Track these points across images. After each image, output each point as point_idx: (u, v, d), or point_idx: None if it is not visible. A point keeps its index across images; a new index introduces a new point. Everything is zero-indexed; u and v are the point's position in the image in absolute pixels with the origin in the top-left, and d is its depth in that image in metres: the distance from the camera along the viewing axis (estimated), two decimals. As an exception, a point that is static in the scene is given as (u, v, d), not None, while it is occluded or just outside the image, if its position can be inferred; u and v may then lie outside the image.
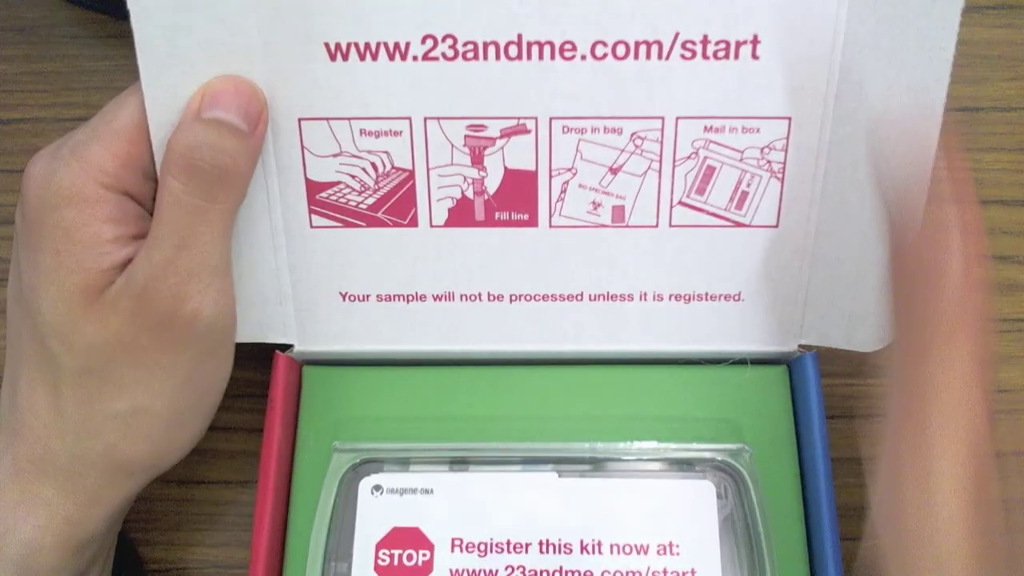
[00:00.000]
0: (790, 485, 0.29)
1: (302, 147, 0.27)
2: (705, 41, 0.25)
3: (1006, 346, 0.32)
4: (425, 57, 0.25)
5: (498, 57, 0.25)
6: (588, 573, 0.28)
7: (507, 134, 0.27)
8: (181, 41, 0.25)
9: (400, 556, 0.28)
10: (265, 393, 0.29)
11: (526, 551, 0.28)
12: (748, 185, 0.27)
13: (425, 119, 0.26)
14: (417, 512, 0.28)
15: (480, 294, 0.29)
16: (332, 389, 0.29)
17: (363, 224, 0.28)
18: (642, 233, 0.28)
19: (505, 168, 0.27)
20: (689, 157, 0.27)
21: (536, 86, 0.26)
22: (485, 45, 0.25)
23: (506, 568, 0.28)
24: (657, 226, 0.28)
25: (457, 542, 0.28)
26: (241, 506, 0.31)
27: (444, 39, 0.25)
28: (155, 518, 0.31)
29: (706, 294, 0.28)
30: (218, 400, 0.27)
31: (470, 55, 0.25)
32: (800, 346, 0.29)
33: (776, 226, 0.28)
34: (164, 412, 0.26)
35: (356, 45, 0.25)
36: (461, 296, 0.29)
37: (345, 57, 0.25)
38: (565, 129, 0.26)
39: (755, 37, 0.25)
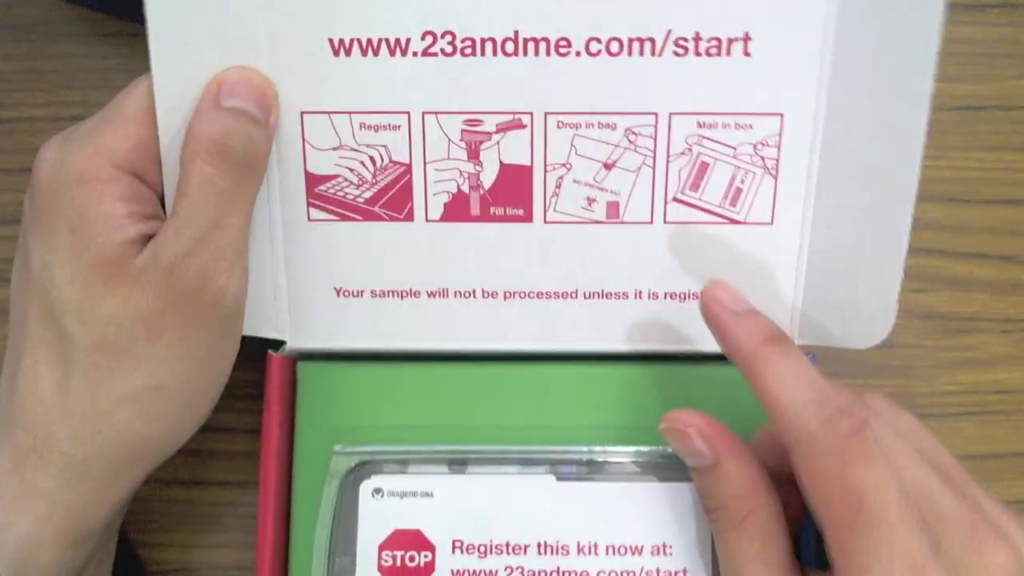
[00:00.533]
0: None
1: (303, 140, 0.27)
2: (697, 38, 0.26)
3: (1006, 346, 0.32)
4: (425, 53, 0.26)
5: (495, 53, 0.26)
6: (584, 574, 0.27)
7: (503, 129, 0.27)
8: (192, 32, 0.25)
9: (403, 557, 0.27)
10: (263, 394, 0.28)
11: (525, 552, 0.28)
12: (742, 182, 0.28)
13: (423, 114, 0.27)
14: (418, 515, 0.28)
15: (474, 291, 0.29)
16: (328, 386, 0.29)
17: (360, 218, 0.28)
18: (637, 229, 0.28)
19: (501, 163, 0.27)
20: (683, 153, 0.27)
21: (532, 82, 0.26)
22: (483, 41, 0.26)
23: (505, 569, 0.27)
24: (652, 222, 0.28)
25: (458, 544, 0.28)
26: (239, 507, 0.31)
27: (443, 35, 0.26)
28: (154, 519, 0.31)
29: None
30: (226, 381, 0.27)
31: (468, 51, 0.26)
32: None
33: (770, 223, 0.28)
34: (179, 391, 0.26)
35: (359, 41, 0.26)
36: (455, 293, 0.29)
37: (348, 52, 0.26)
38: (560, 124, 0.27)
39: (747, 34, 0.26)
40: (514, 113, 0.27)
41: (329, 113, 0.27)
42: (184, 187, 0.25)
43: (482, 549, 0.27)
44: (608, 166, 0.27)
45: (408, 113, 0.27)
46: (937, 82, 0.25)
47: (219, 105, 0.25)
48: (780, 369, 0.24)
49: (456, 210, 0.28)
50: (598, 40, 0.26)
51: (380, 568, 0.27)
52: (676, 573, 0.27)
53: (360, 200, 0.28)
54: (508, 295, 0.29)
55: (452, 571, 0.27)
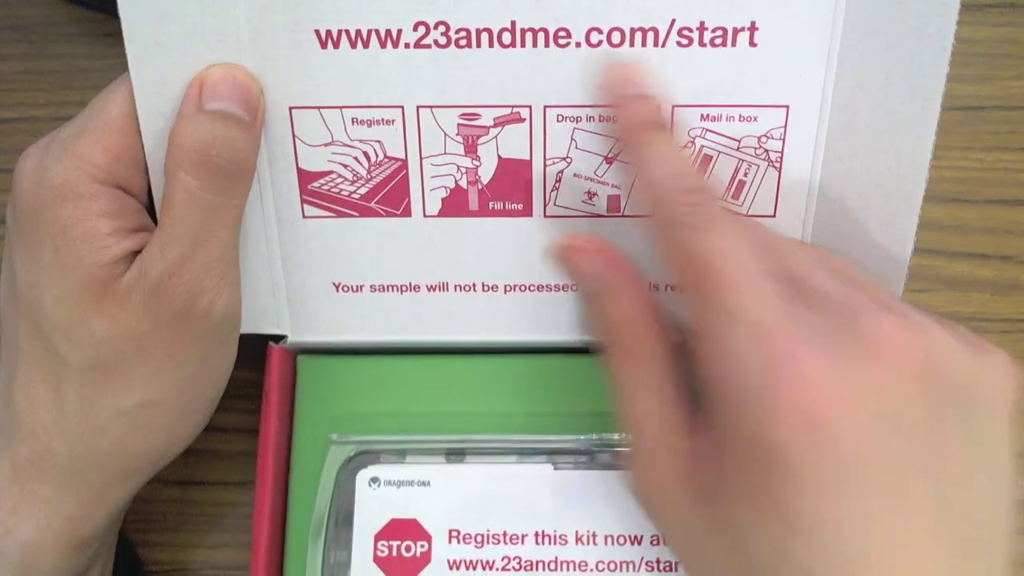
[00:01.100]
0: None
1: (293, 136, 0.26)
2: (702, 28, 0.25)
3: (1006, 346, 0.31)
4: (417, 44, 0.25)
5: (491, 44, 0.25)
6: (583, 563, 0.28)
7: (501, 123, 0.26)
8: (169, 29, 0.24)
9: (399, 547, 0.28)
10: (262, 393, 0.28)
11: (522, 542, 0.28)
12: (745, 174, 0.27)
13: (418, 108, 0.26)
14: (414, 504, 0.28)
15: (474, 284, 0.28)
16: (327, 378, 0.29)
17: (356, 214, 0.27)
18: (638, 223, 0.27)
19: (499, 157, 0.27)
20: (685, 146, 0.27)
21: (530, 74, 0.25)
22: (478, 32, 0.25)
23: (503, 559, 0.28)
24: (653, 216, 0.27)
25: (454, 533, 0.28)
26: (240, 507, 0.31)
27: (436, 26, 0.25)
28: (154, 519, 0.31)
29: (702, 284, 0.28)
30: (222, 389, 0.27)
31: (463, 42, 0.25)
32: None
33: (773, 215, 0.27)
34: (173, 405, 0.26)
35: (347, 32, 0.25)
36: (455, 286, 0.28)
37: (336, 44, 0.25)
38: (559, 118, 0.26)
39: (752, 24, 0.25)
40: (512, 107, 0.26)
41: (319, 108, 0.26)
42: (168, 200, 0.24)
43: (479, 538, 0.28)
44: (609, 160, 0.27)
45: (402, 107, 0.26)
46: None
47: (201, 108, 0.24)
48: (654, 152, 0.24)
49: (454, 205, 0.27)
50: (599, 31, 0.25)
51: (376, 558, 0.28)
52: (676, 563, 0.28)
53: (356, 196, 0.27)
54: (508, 288, 0.28)
55: (448, 561, 0.28)
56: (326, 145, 0.26)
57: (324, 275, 0.28)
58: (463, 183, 0.27)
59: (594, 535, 0.28)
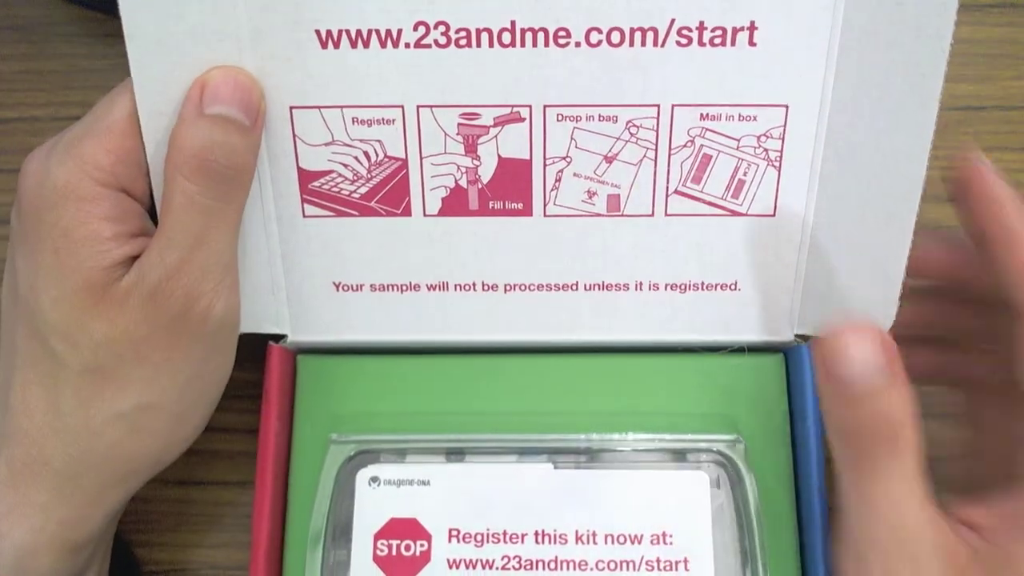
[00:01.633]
0: (783, 475, 0.29)
1: (294, 136, 0.26)
2: (701, 28, 0.25)
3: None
4: (417, 44, 0.25)
5: (491, 44, 0.25)
6: (583, 563, 0.28)
7: (501, 122, 0.26)
8: (170, 28, 0.24)
9: (398, 546, 0.28)
10: (262, 393, 0.28)
11: (522, 541, 0.28)
12: (745, 174, 0.27)
13: (418, 107, 0.26)
14: (414, 503, 0.28)
15: (474, 283, 0.28)
16: (327, 378, 0.29)
17: (356, 213, 0.27)
18: (638, 222, 0.28)
19: (499, 157, 0.27)
20: (685, 145, 0.27)
21: (530, 73, 0.26)
22: (478, 32, 0.25)
23: (502, 558, 0.28)
24: (653, 215, 0.27)
25: (454, 533, 0.28)
26: (239, 507, 0.31)
27: (437, 26, 0.25)
28: (153, 519, 0.31)
29: (702, 283, 0.28)
30: (220, 394, 0.27)
31: (463, 42, 0.25)
32: (796, 336, 0.29)
33: (773, 215, 0.27)
34: (170, 409, 0.26)
35: (347, 32, 0.25)
36: (455, 286, 0.28)
37: (336, 44, 0.25)
38: (559, 117, 0.26)
39: (752, 24, 0.25)
40: (512, 106, 0.26)
41: (320, 108, 0.26)
42: (167, 204, 0.24)
43: (479, 538, 0.28)
44: (609, 159, 0.27)
45: (402, 107, 0.26)
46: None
47: (202, 112, 0.24)
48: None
49: (454, 205, 0.27)
50: (599, 30, 0.25)
51: (376, 558, 0.28)
52: (676, 563, 0.27)
53: (356, 196, 0.27)
54: (508, 287, 0.28)
55: (448, 560, 0.28)
56: (326, 144, 0.26)
57: (324, 274, 0.28)
58: (463, 182, 0.27)
59: (594, 534, 0.28)
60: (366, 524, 0.28)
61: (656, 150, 0.27)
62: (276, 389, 0.29)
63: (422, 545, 0.28)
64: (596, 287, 0.28)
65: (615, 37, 0.25)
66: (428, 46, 0.25)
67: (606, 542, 0.28)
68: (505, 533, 0.28)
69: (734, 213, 0.27)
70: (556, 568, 0.28)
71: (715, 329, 0.29)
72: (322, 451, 0.28)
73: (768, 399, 0.29)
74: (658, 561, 0.28)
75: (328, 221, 0.27)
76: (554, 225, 0.28)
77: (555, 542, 0.28)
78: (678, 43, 0.25)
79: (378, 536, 0.28)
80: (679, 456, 0.29)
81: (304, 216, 0.27)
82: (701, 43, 0.25)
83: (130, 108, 0.25)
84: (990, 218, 0.23)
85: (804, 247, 0.28)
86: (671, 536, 0.28)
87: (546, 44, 0.25)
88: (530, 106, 0.26)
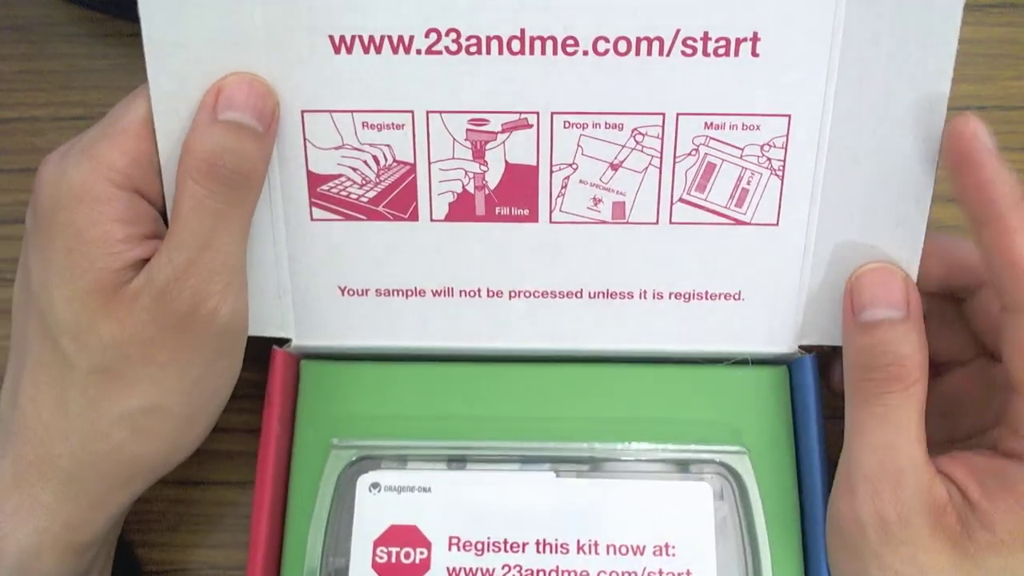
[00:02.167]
0: (787, 487, 0.28)
1: (304, 139, 0.27)
2: (706, 38, 0.26)
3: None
4: (428, 51, 0.26)
5: (501, 51, 0.26)
6: (584, 573, 0.27)
7: (508, 128, 0.27)
8: (187, 32, 0.25)
9: (398, 554, 0.27)
10: (264, 394, 0.28)
11: (523, 550, 0.28)
12: (748, 183, 0.27)
13: (427, 113, 0.26)
14: (415, 510, 0.28)
15: (479, 290, 0.29)
16: (330, 384, 0.29)
17: (364, 217, 0.28)
18: (642, 230, 0.28)
19: (506, 163, 0.27)
20: (690, 154, 0.27)
21: (538, 81, 0.26)
22: (488, 39, 0.26)
23: (503, 567, 0.27)
24: (657, 223, 0.28)
25: (455, 540, 0.28)
26: (240, 507, 0.31)
27: (448, 33, 0.26)
28: (154, 519, 0.31)
29: (706, 292, 0.28)
30: (227, 398, 0.27)
31: (473, 49, 0.26)
32: (800, 347, 0.29)
33: (776, 224, 0.28)
34: (176, 411, 0.26)
35: (360, 38, 0.26)
36: (460, 292, 0.29)
37: (349, 50, 0.26)
38: (566, 124, 0.27)
39: (755, 35, 0.26)
40: (520, 113, 0.26)
41: (331, 112, 0.26)
42: (177, 207, 0.25)
43: (479, 546, 0.28)
44: (615, 166, 0.27)
45: (412, 112, 0.26)
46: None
47: (216, 118, 0.24)
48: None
49: (461, 210, 0.28)
50: (606, 39, 0.26)
51: (375, 565, 0.27)
52: (679, 575, 0.27)
53: (364, 200, 0.27)
54: (513, 294, 0.29)
55: (448, 568, 0.27)
56: (336, 148, 0.27)
57: (330, 278, 0.28)
58: (470, 188, 0.27)
59: (596, 544, 0.28)
60: (366, 530, 0.28)
61: (661, 158, 0.27)
62: (279, 393, 0.29)
63: (422, 553, 0.27)
64: (600, 295, 0.28)
65: (622, 46, 0.26)
66: (439, 52, 0.26)
67: (608, 552, 0.28)
68: (506, 542, 0.28)
69: (738, 222, 0.28)
70: (557, 577, 0.27)
71: (718, 340, 0.29)
72: (323, 456, 0.28)
73: (772, 411, 0.29)
74: (660, 573, 0.27)
75: (335, 225, 0.28)
76: (559, 232, 0.28)
77: (556, 552, 0.28)
78: (683, 53, 0.26)
79: (378, 543, 0.28)
80: (682, 467, 0.28)
81: (312, 219, 0.28)
82: (705, 53, 0.26)
83: (146, 111, 0.25)
84: (982, 200, 0.24)
85: (808, 257, 0.28)
86: (674, 547, 0.28)
87: (554, 52, 0.26)
88: (538, 113, 0.26)
